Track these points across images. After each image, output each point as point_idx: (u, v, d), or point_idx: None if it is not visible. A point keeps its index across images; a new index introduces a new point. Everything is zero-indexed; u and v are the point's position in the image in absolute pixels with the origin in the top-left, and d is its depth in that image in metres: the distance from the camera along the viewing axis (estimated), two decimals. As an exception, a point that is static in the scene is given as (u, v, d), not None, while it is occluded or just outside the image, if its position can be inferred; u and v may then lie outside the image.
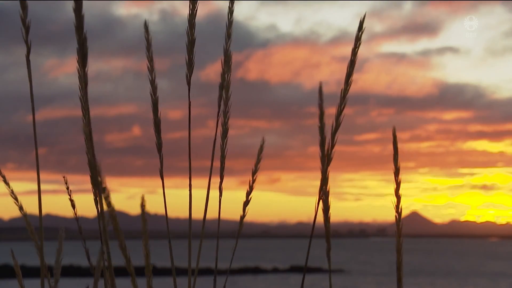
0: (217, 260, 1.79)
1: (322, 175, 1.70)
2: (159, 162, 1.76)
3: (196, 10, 1.76)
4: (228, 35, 1.81)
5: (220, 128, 1.80)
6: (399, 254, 1.74)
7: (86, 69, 1.52)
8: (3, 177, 1.95)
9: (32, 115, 1.69)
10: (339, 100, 1.65)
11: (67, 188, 1.94)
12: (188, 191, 1.76)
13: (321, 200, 1.71)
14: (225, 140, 1.80)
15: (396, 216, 1.74)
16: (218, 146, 1.79)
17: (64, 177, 1.93)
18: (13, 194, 1.93)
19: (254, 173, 1.82)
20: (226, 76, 1.81)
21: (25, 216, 1.93)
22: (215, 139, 1.80)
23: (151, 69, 1.75)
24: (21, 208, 1.94)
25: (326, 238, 1.73)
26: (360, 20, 1.63)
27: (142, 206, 1.64)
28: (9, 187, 1.93)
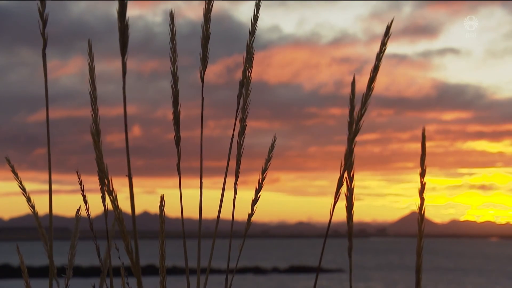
0: (229, 260, 1.78)
1: (340, 175, 1.68)
2: (177, 157, 1.72)
3: (212, 5, 1.73)
4: (253, 31, 1.78)
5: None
6: (419, 256, 1.69)
7: (126, 57, 1.48)
8: (15, 173, 1.93)
9: (46, 110, 1.67)
10: (360, 104, 1.61)
11: (80, 184, 1.89)
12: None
13: (337, 200, 1.69)
14: (243, 138, 1.77)
15: (418, 218, 1.68)
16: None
17: (77, 172, 1.89)
18: (25, 194, 1.90)
19: (264, 171, 1.79)
20: (247, 72, 1.78)
21: (36, 216, 1.90)
22: (232, 136, 1.77)
23: (173, 60, 1.71)
24: (33, 207, 1.91)
25: (349, 237, 1.71)
26: (388, 25, 1.57)
27: (161, 206, 1.63)
28: (22, 186, 1.91)
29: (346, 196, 1.70)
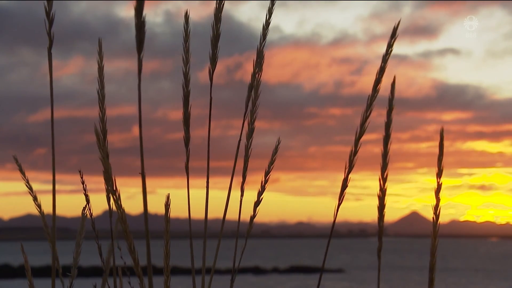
0: (234, 260, 1.78)
1: (344, 179, 1.68)
2: (186, 157, 1.74)
3: (223, 4, 1.74)
4: (264, 36, 1.80)
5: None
6: (433, 256, 1.68)
7: (142, 54, 1.50)
8: (22, 172, 1.92)
9: (51, 109, 1.67)
10: (366, 106, 1.61)
11: (83, 183, 1.89)
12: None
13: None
14: (250, 140, 1.79)
15: (433, 217, 1.68)
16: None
17: (80, 171, 1.89)
18: (32, 193, 1.89)
19: (266, 173, 1.80)
20: (256, 76, 1.80)
21: (43, 215, 1.90)
22: (240, 138, 1.79)
23: (186, 61, 1.73)
24: (39, 206, 1.90)
25: (379, 237, 1.71)
26: (394, 27, 1.58)
27: (167, 205, 1.63)
28: (29, 186, 1.91)
29: (379, 197, 1.70)
